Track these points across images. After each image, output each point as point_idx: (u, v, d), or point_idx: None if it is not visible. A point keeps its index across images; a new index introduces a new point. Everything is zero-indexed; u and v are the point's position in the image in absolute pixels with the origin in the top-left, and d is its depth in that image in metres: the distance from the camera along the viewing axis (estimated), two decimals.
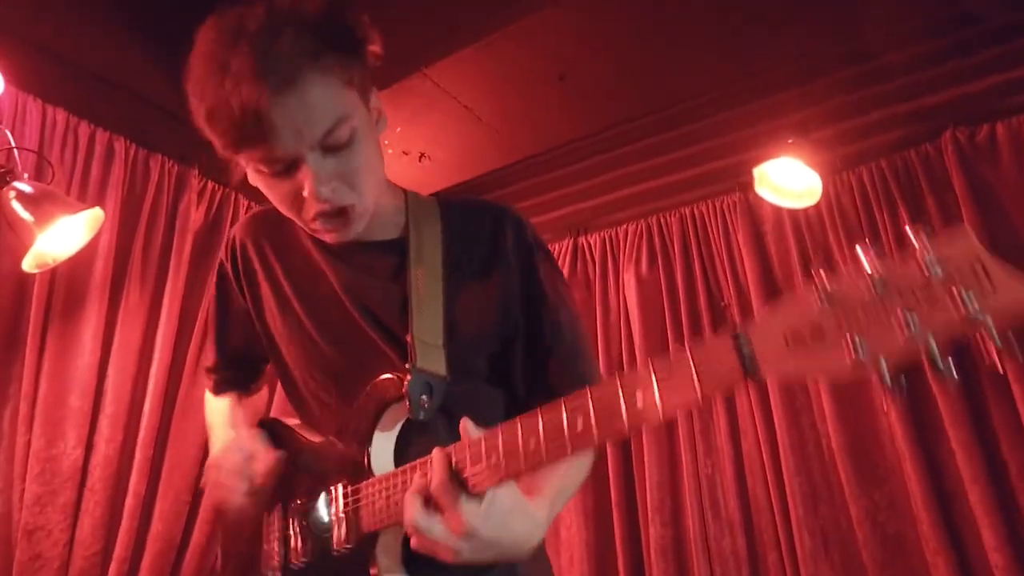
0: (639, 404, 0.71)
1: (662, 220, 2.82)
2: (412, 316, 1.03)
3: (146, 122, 2.42)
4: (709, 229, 2.73)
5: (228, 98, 0.86)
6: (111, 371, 2.18)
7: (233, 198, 2.61)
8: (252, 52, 0.86)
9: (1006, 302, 0.53)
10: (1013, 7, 2.26)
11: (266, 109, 0.86)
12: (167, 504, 2.25)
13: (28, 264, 1.78)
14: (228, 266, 1.21)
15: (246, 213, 1.21)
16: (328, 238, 1.04)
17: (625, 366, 2.73)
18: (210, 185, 2.55)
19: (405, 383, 0.97)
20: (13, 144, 1.89)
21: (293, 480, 1.07)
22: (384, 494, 0.93)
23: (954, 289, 0.56)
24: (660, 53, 2.35)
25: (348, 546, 0.96)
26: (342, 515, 0.97)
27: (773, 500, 2.36)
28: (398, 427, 1.00)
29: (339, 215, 0.97)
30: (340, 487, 0.99)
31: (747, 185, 2.61)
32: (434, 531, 0.81)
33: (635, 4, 2.19)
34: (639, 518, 2.55)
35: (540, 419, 0.79)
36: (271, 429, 1.16)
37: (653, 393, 0.70)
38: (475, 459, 0.82)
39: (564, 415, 0.77)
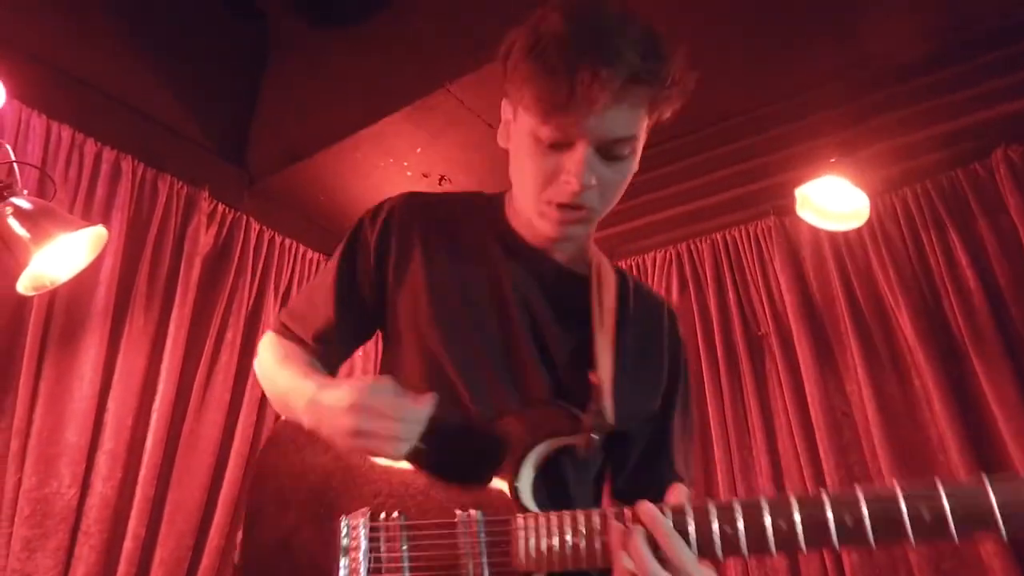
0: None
1: (692, 246, 2.70)
2: (597, 355, 1.04)
3: (155, 142, 2.33)
4: (743, 255, 2.60)
5: (578, 70, 0.89)
6: (111, 404, 2.04)
7: (244, 221, 2.49)
8: (627, 46, 0.91)
9: None
10: None
11: (605, 97, 0.90)
12: (168, 550, 2.08)
13: (24, 285, 1.64)
14: (373, 232, 1.13)
15: (397, 197, 1.16)
16: (550, 227, 1.03)
17: None
18: (220, 208, 2.43)
19: (588, 423, 0.96)
20: (13, 158, 1.76)
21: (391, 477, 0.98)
22: (553, 534, 0.86)
23: None
24: (696, 72, 2.25)
25: None
26: (481, 548, 0.89)
27: None
28: (536, 463, 0.96)
29: (576, 210, 1.00)
30: (476, 513, 0.91)
31: (783, 208, 2.49)
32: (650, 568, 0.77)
33: (667, 25, 2.10)
34: None
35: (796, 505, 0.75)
36: None
37: None
38: (701, 521, 0.79)
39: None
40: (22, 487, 1.82)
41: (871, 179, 2.33)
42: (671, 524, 0.79)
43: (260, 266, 2.51)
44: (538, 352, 1.05)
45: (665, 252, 2.75)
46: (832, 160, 2.20)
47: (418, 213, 1.14)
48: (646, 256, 2.79)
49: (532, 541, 0.87)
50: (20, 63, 1.97)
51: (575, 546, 0.84)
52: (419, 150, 2.39)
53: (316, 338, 1.14)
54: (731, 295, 2.59)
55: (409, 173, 2.50)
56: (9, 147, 1.80)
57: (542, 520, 0.87)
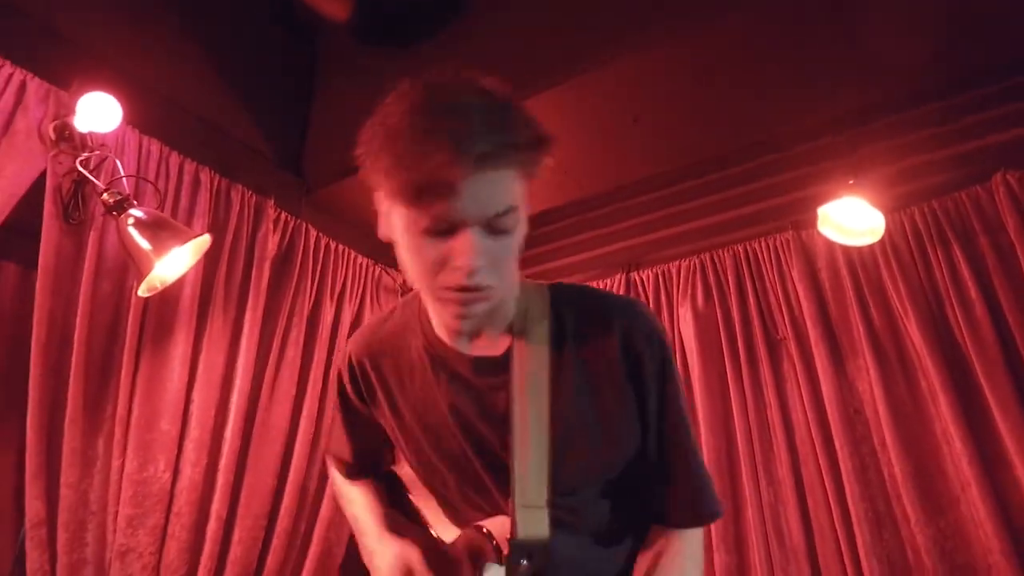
0: None
1: (715, 257, 2.91)
2: (513, 480, 1.03)
3: (227, 155, 2.51)
4: (763, 265, 2.82)
5: (431, 152, 0.88)
6: (196, 396, 2.21)
7: (304, 228, 2.68)
8: (472, 122, 0.90)
9: None
10: None
11: (463, 176, 0.89)
12: (245, 530, 2.27)
13: (142, 289, 1.83)
14: (348, 384, 1.24)
15: (352, 335, 1.28)
16: (451, 314, 1.02)
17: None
18: (284, 216, 2.62)
19: (503, 555, 1.02)
20: (123, 173, 1.95)
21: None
22: None
23: None
24: (722, 98, 2.47)
25: None
26: None
27: (837, 527, 2.41)
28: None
29: (474, 292, 0.98)
30: None
31: (801, 223, 2.72)
32: None
33: (700, 53, 2.31)
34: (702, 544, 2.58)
35: None
36: (403, 509, 1.29)
37: None
38: None
39: None
40: (125, 470, 2.00)
41: (883, 198, 2.56)
42: None
43: (318, 270, 2.70)
44: (487, 465, 1.09)
45: (690, 262, 2.97)
46: (851, 182, 2.43)
47: (371, 355, 1.20)
48: (671, 265, 3.00)
49: None
50: (118, 81, 2.14)
51: None
52: None
53: (351, 464, 1.33)
54: (752, 302, 2.81)
55: None
56: (118, 162, 1.98)
57: None
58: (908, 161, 2.62)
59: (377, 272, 2.94)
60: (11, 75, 1.94)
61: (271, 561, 2.31)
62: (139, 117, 2.18)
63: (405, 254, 1.00)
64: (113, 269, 2.06)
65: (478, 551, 1.05)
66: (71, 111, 1.98)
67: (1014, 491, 2.20)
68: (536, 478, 1.03)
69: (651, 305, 2.98)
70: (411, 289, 1.12)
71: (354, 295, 2.82)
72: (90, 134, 1.96)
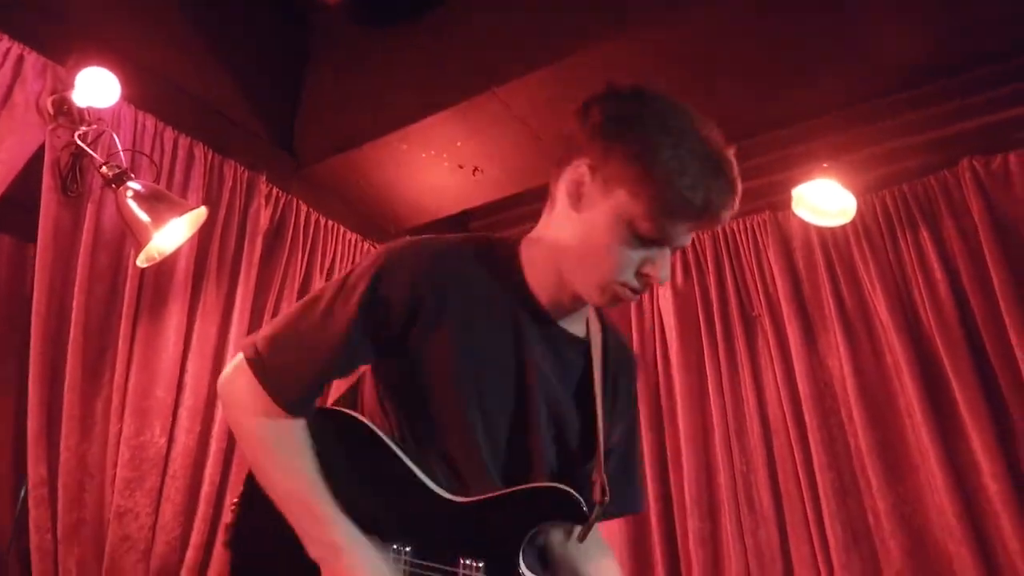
0: None
1: (695, 235, 3.00)
2: (599, 453, 1.14)
3: (221, 131, 2.56)
4: (740, 245, 2.92)
5: (721, 188, 1.01)
6: (190, 365, 2.28)
7: (295, 204, 2.74)
8: (734, 169, 1.05)
9: None
10: None
11: (720, 222, 1.05)
12: (237, 494, 2.34)
13: (141, 260, 1.89)
14: (388, 294, 1.05)
15: (407, 243, 1.12)
16: (605, 301, 1.09)
17: (659, 365, 2.91)
18: (275, 191, 2.68)
19: (592, 514, 1.09)
20: (120, 147, 2.01)
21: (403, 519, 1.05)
22: None
23: None
24: (704, 82, 2.54)
25: None
26: None
27: (804, 495, 2.54)
28: (535, 536, 1.08)
29: (640, 293, 1.09)
30: (474, 565, 1.01)
31: (777, 204, 2.81)
32: None
33: (685, 37, 2.38)
34: (675, 513, 2.71)
35: None
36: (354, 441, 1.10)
37: None
38: None
39: None
40: (122, 435, 2.07)
41: (856, 181, 2.65)
42: None
43: (308, 245, 2.76)
44: (552, 431, 1.13)
45: None
46: (825, 165, 2.52)
47: (436, 277, 1.07)
48: None
49: None
50: (115, 58, 2.18)
51: None
52: (459, 143, 2.65)
53: (302, 406, 1.07)
54: (729, 280, 2.91)
55: (446, 164, 2.76)
56: (116, 136, 2.04)
57: None
58: (881, 146, 2.72)
59: (366, 248, 3.00)
60: (8, 49, 1.99)
61: None
62: (135, 93, 2.22)
63: (599, 240, 1.03)
64: (110, 241, 2.12)
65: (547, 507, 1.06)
66: (68, 86, 2.03)
67: (968, 459, 2.33)
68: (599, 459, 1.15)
69: None
70: None
71: (342, 269, 2.88)
72: (88, 109, 2.01)
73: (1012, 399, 2.31)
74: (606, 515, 1.17)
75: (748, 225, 2.93)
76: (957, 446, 2.37)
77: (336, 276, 1.27)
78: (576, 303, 1.13)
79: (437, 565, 1.02)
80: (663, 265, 1.04)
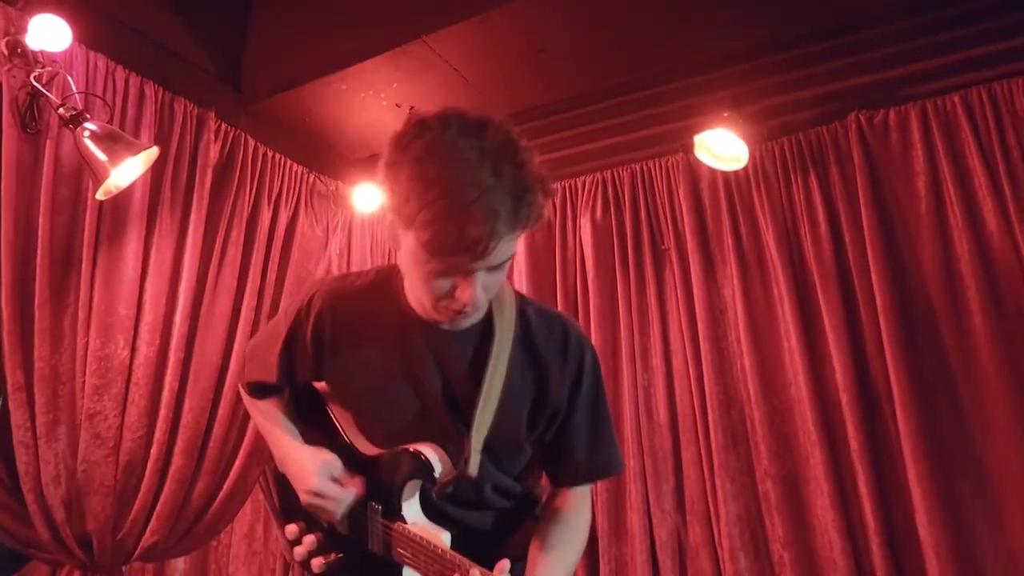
0: None
1: (616, 174, 3.29)
2: (472, 427, 1.27)
3: (170, 69, 2.74)
4: (656, 184, 3.20)
5: (467, 225, 1.04)
6: (148, 286, 2.54)
7: (243, 139, 2.95)
8: (502, 202, 1.06)
9: None
10: (910, 12, 2.77)
11: (492, 249, 1.08)
12: (194, 400, 2.65)
13: (99, 194, 2.12)
14: (308, 322, 1.38)
15: (323, 283, 1.46)
16: (446, 322, 1.25)
17: (578, 290, 3.24)
18: (224, 127, 2.88)
19: (432, 475, 1.27)
20: (75, 90, 2.20)
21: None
22: (412, 547, 1.24)
23: None
24: (620, 32, 2.77)
25: (378, 553, 1.30)
26: (378, 533, 1.30)
27: (695, 406, 2.92)
28: (416, 492, 1.32)
29: (471, 313, 1.22)
30: (379, 509, 1.31)
31: (689, 148, 3.09)
32: None
33: None
34: None
35: None
36: (321, 422, 1.48)
37: None
38: None
39: None
40: (89, 347, 2.35)
41: (757, 129, 2.94)
42: None
43: (256, 177, 2.98)
44: (448, 411, 1.31)
45: (593, 178, 3.33)
46: (725, 114, 2.80)
47: (334, 306, 1.37)
48: (578, 180, 3.36)
49: (405, 549, 1.24)
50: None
51: (422, 560, 1.21)
52: (395, 85, 2.87)
53: (270, 388, 1.50)
54: (643, 216, 3.20)
55: (384, 103, 2.98)
56: (70, 78, 2.22)
57: (413, 537, 1.23)
58: (780, 98, 2.99)
59: (311, 179, 3.23)
60: None
61: (218, 428, 2.72)
62: (86, 34, 2.38)
63: (410, 271, 1.20)
64: (69, 175, 2.33)
65: (406, 465, 1.28)
66: (20, 28, 2.19)
67: (829, 377, 2.72)
68: (482, 430, 1.28)
69: (557, 216, 3.37)
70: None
71: (289, 200, 3.12)
72: (41, 52, 2.18)
73: (868, 326, 2.69)
74: (556, 482, 1.43)
75: (663, 166, 3.21)
76: (822, 365, 2.75)
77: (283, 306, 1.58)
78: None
79: (364, 508, 1.35)
80: (464, 290, 1.14)
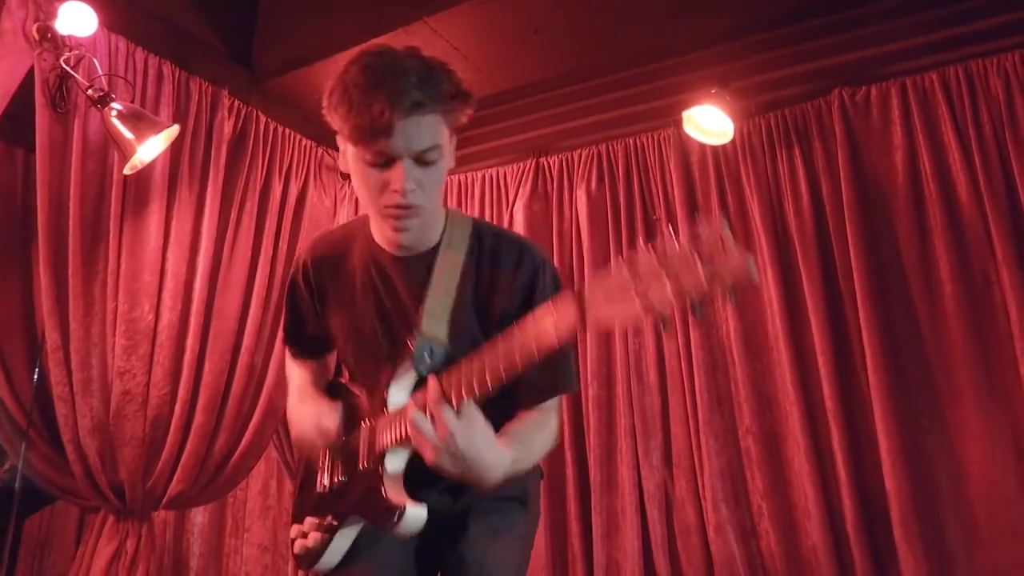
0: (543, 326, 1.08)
1: (610, 147, 3.43)
2: (426, 297, 1.35)
3: (186, 50, 2.89)
4: (648, 157, 3.35)
5: (373, 104, 1.17)
6: (170, 255, 2.73)
7: (255, 115, 3.11)
8: (406, 80, 1.20)
9: (733, 263, 0.90)
10: None
11: (398, 121, 1.18)
12: (214, 361, 2.85)
13: (126, 169, 2.30)
14: (301, 282, 1.55)
15: (308, 244, 1.62)
16: (390, 228, 1.33)
17: (574, 265, 3.41)
18: (237, 104, 3.04)
19: (412, 345, 1.33)
20: (100, 72, 2.36)
21: (345, 424, 1.46)
22: (391, 424, 1.30)
23: (698, 257, 0.89)
24: (611, 12, 2.90)
25: (367, 465, 1.34)
26: (365, 442, 1.37)
27: (683, 368, 3.10)
28: (411, 381, 1.35)
29: (407, 209, 1.28)
30: (365, 422, 1.40)
31: (679, 123, 3.23)
32: (424, 428, 1.14)
33: None
34: (581, 381, 3.27)
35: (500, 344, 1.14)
36: (336, 387, 1.61)
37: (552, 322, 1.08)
38: (458, 382, 1.17)
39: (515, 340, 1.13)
40: (118, 311, 2.54)
41: (744, 105, 3.07)
42: (437, 387, 1.15)
43: (268, 152, 3.15)
44: (400, 321, 1.40)
45: (589, 151, 3.47)
46: (712, 91, 2.93)
47: (321, 259, 1.51)
48: (574, 153, 3.50)
49: (386, 430, 1.31)
50: None
51: (401, 426, 1.25)
52: None
53: (296, 347, 1.65)
54: (636, 187, 3.35)
55: None
56: (95, 61, 2.38)
57: (392, 416, 1.30)
58: (767, 75, 3.12)
59: (320, 153, 3.40)
60: None
61: (236, 387, 2.92)
62: (108, 17, 2.53)
63: (356, 181, 1.31)
64: (96, 151, 2.50)
65: (398, 356, 1.36)
66: (49, 14, 2.35)
67: (809, 341, 2.89)
68: (440, 317, 1.36)
69: (554, 186, 3.52)
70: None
71: (300, 173, 3.29)
72: (69, 36, 2.34)
73: (845, 293, 2.85)
74: (520, 401, 1.40)
75: (655, 140, 3.35)
76: (801, 330, 2.92)
77: None
78: (403, 240, 1.38)
79: (352, 437, 1.45)
80: (397, 178, 1.24)
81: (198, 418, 2.77)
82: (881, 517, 2.63)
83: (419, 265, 1.41)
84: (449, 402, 1.15)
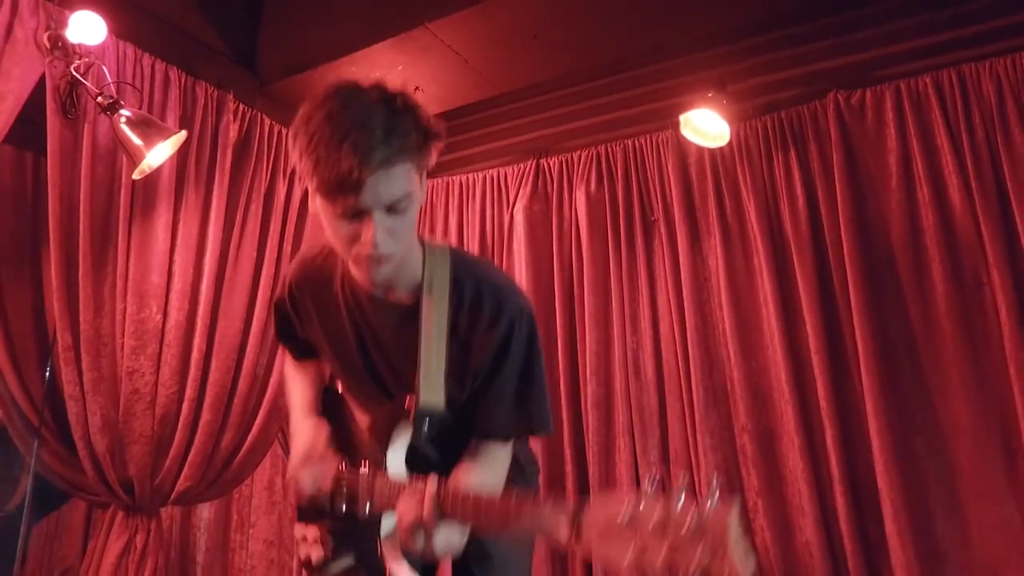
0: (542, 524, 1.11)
1: (609, 149, 3.48)
2: (420, 358, 1.37)
3: (191, 55, 2.94)
4: (646, 159, 3.40)
5: (340, 160, 1.14)
6: (177, 257, 2.78)
7: (259, 118, 3.16)
8: (372, 136, 1.15)
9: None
10: None
11: (367, 177, 1.15)
12: (220, 360, 2.91)
13: (136, 174, 2.36)
14: (287, 301, 1.59)
15: (291, 266, 1.64)
16: (363, 275, 1.35)
17: (573, 258, 3.46)
18: (242, 107, 3.09)
19: (410, 407, 1.37)
20: (109, 80, 2.42)
21: (345, 441, 1.53)
22: (389, 491, 1.34)
23: (701, 546, 0.90)
24: (609, 17, 2.93)
25: (367, 517, 1.37)
26: (367, 492, 1.39)
27: (680, 367, 3.15)
28: (406, 442, 1.42)
29: (379, 259, 1.26)
30: (368, 468, 1.41)
31: (677, 125, 3.28)
32: (414, 548, 1.24)
33: None
34: (580, 379, 3.34)
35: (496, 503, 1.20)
36: (330, 397, 1.66)
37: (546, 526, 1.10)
38: (453, 506, 1.22)
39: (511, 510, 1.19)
40: (127, 312, 2.60)
41: (740, 108, 3.12)
42: (433, 508, 1.20)
43: (272, 154, 3.19)
44: (387, 368, 1.45)
45: (589, 152, 3.53)
46: (709, 95, 2.98)
47: (299, 283, 1.54)
48: (573, 154, 3.56)
49: (386, 498, 1.33)
50: None
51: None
52: (400, 67, 3.06)
53: (293, 352, 1.69)
54: (635, 188, 3.41)
55: (391, 83, 3.17)
56: (105, 68, 2.44)
57: (392, 485, 1.34)
58: (764, 78, 3.17)
59: None
60: None
61: (242, 385, 2.97)
62: (116, 25, 2.58)
63: (327, 230, 1.29)
64: (105, 155, 2.56)
65: (394, 415, 1.42)
66: (59, 22, 2.40)
67: (803, 341, 2.94)
68: (435, 382, 1.38)
69: (554, 187, 3.58)
70: None
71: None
72: (79, 45, 2.39)
73: (839, 293, 2.90)
74: (479, 434, 1.47)
75: (654, 141, 3.40)
76: (796, 330, 2.97)
77: None
78: (377, 283, 1.39)
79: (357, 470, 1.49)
80: (368, 230, 1.21)
81: (205, 416, 2.83)
82: (873, 513, 2.69)
83: (404, 313, 1.41)
84: (440, 520, 1.22)
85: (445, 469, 1.42)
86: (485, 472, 1.43)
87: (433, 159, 1.29)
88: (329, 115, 1.18)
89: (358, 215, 1.21)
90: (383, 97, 1.23)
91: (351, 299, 1.45)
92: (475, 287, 1.42)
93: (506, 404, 1.45)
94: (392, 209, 1.22)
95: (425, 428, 1.39)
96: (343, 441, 1.53)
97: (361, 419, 1.55)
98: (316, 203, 1.27)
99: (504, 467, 1.49)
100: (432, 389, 1.37)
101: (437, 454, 1.49)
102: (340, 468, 1.46)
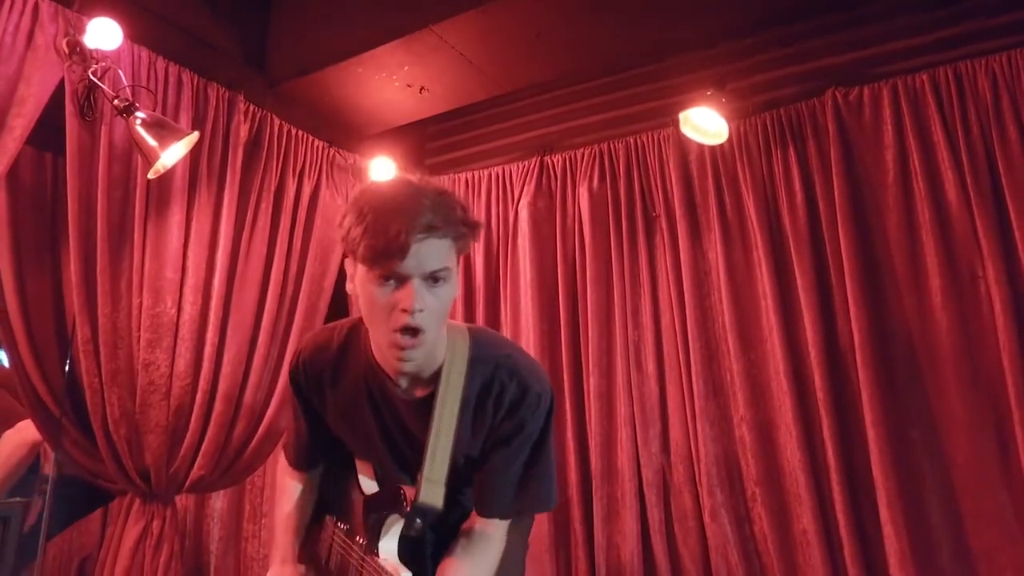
0: None
1: (611, 147, 3.54)
2: (425, 460, 1.44)
3: (203, 56, 3.02)
4: (647, 156, 3.46)
5: (390, 225, 1.25)
6: (190, 253, 2.87)
7: (269, 118, 3.24)
8: (421, 204, 1.28)
9: None
10: None
11: (413, 242, 1.25)
12: (232, 353, 2.99)
13: (151, 174, 2.45)
14: (301, 379, 1.63)
15: (305, 342, 1.69)
16: (395, 358, 1.36)
17: (576, 254, 3.53)
18: (252, 108, 3.17)
19: (407, 507, 1.48)
20: (125, 83, 2.51)
21: (345, 500, 1.66)
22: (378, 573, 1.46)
23: None
24: (611, 16, 2.98)
25: None
26: (355, 566, 1.52)
27: (680, 359, 3.22)
28: (398, 532, 1.52)
29: (415, 332, 1.31)
30: (363, 544, 1.54)
31: (677, 123, 3.33)
32: None
33: None
34: (583, 372, 3.41)
35: None
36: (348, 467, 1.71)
37: None
38: None
39: None
40: (143, 306, 2.69)
41: (740, 106, 3.17)
42: None
43: (282, 153, 3.28)
44: (397, 460, 1.54)
45: (592, 149, 3.59)
46: (708, 93, 3.03)
47: (314, 364, 1.59)
48: (576, 151, 3.62)
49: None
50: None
51: None
52: (406, 68, 3.13)
53: (299, 463, 1.73)
54: (636, 185, 3.47)
55: (397, 84, 3.25)
56: (120, 72, 2.53)
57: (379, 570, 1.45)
58: (763, 76, 3.22)
59: (331, 153, 3.53)
60: None
61: (253, 377, 3.07)
62: (132, 29, 2.66)
63: (364, 303, 1.35)
64: (120, 156, 2.65)
65: (392, 504, 1.52)
66: (77, 28, 2.49)
67: (801, 334, 3.00)
68: (437, 481, 1.46)
69: (558, 184, 3.65)
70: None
71: (312, 173, 3.43)
72: (96, 50, 2.48)
73: (836, 287, 2.96)
74: (479, 510, 1.54)
75: (655, 138, 3.46)
76: (794, 323, 3.03)
77: None
78: (404, 370, 1.43)
79: (353, 539, 1.61)
80: (407, 296, 1.28)
81: (217, 407, 2.92)
82: (869, 502, 2.75)
83: (419, 411, 1.47)
84: None
85: (438, 546, 1.53)
86: (476, 563, 1.48)
87: (469, 248, 1.41)
88: (381, 192, 1.34)
89: (400, 282, 1.29)
90: (431, 183, 1.36)
91: (375, 386, 1.50)
92: (492, 371, 1.48)
93: (510, 484, 1.50)
94: (432, 279, 1.30)
95: (418, 522, 1.48)
96: (343, 501, 1.65)
97: (365, 484, 1.64)
98: (357, 278, 1.35)
99: (497, 552, 1.52)
100: (433, 486, 1.45)
101: (432, 536, 1.57)
102: (334, 532, 1.58)
